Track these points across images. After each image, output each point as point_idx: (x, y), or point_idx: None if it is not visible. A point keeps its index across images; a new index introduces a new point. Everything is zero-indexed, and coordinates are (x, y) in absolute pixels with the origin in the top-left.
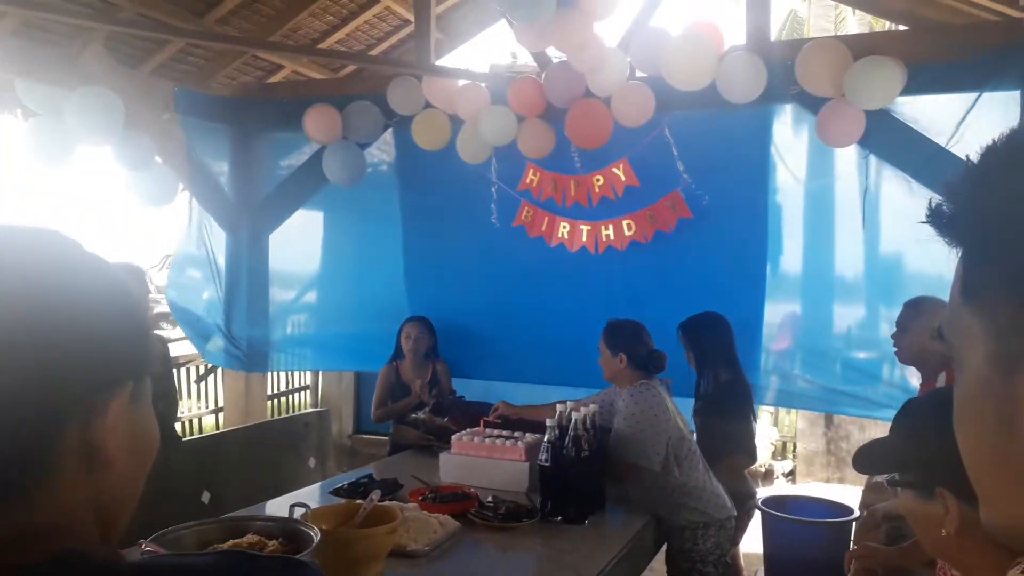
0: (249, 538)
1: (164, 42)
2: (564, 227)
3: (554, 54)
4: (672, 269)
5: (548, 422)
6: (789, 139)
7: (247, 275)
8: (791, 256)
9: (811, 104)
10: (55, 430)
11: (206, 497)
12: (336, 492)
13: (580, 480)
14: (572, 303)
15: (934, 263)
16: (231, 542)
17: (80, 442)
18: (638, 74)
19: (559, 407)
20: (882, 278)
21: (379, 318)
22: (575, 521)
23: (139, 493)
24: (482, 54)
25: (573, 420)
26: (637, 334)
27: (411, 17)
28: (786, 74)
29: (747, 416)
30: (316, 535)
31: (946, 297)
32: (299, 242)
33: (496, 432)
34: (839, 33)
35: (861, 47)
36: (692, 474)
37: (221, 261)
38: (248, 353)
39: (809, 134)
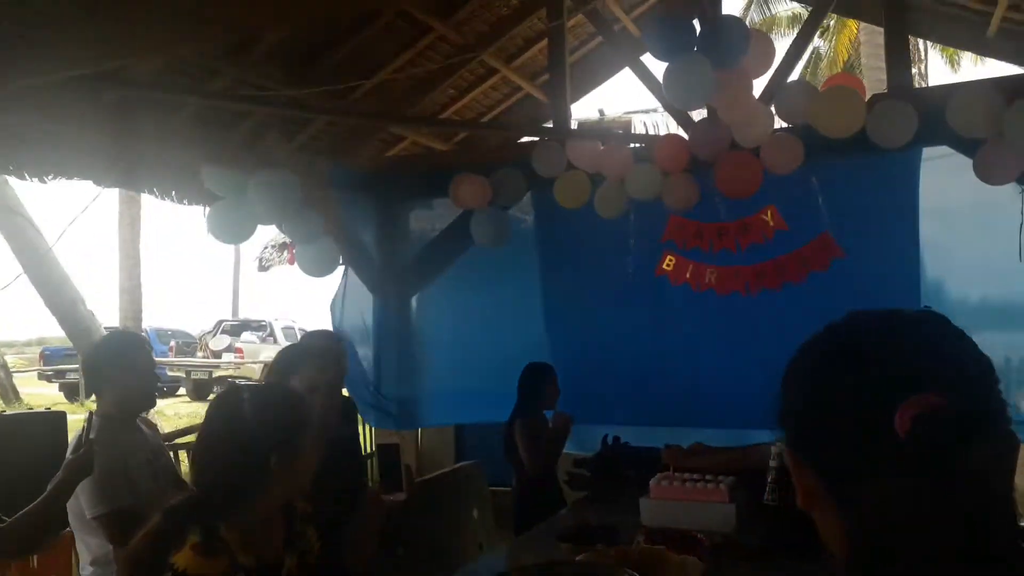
0: None
1: (309, 122)
2: (712, 273)
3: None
4: (826, 309)
5: (772, 462)
6: (939, 180)
7: (395, 337)
8: (946, 292)
9: (962, 146)
10: None
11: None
12: (562, 538)
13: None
14: (723, 346)
15: None
16: None
17: None
18: (778, 124)
19: (773, 448)
20: None
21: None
22: (809, 558)
23: None
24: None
25: None
26: None
27: (521, 84)
28: (935, 118)
29: None
30: None
31: None
32: (442, 302)
33: (688, 476)
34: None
35: (1012, 88)
36: None
37: (370, 324)
38: (398, 411)
39: (958, 175)
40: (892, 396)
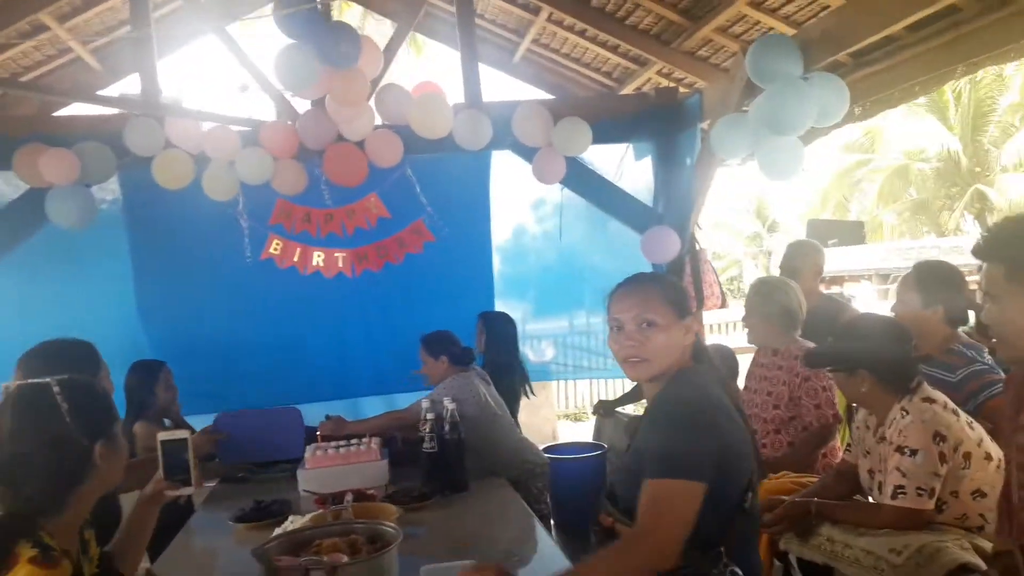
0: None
1: None
2: (319, 256)
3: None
4: (420, 286)
5: (427, 414)
6: (504, 176)
7: None
8: (510, 265)
9: (522, 151)
10: None
11: None
12: (239, 519)
13: (461, 457)
14: (332, 324)
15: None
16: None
17: None
18: (378, 121)
19: (424, 403)
20: (573, 276)
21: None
22: (463, 490)
23: None
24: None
25: (448, 411)
26: (450, 338)
27: (73, 46)
28: (501, 127)
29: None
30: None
31: None
32: (3, 293)
33: (337, 442)
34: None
35: (556, 110)
36: (503, 440)
37: None
38: None
39: (516, 172)
40: None
